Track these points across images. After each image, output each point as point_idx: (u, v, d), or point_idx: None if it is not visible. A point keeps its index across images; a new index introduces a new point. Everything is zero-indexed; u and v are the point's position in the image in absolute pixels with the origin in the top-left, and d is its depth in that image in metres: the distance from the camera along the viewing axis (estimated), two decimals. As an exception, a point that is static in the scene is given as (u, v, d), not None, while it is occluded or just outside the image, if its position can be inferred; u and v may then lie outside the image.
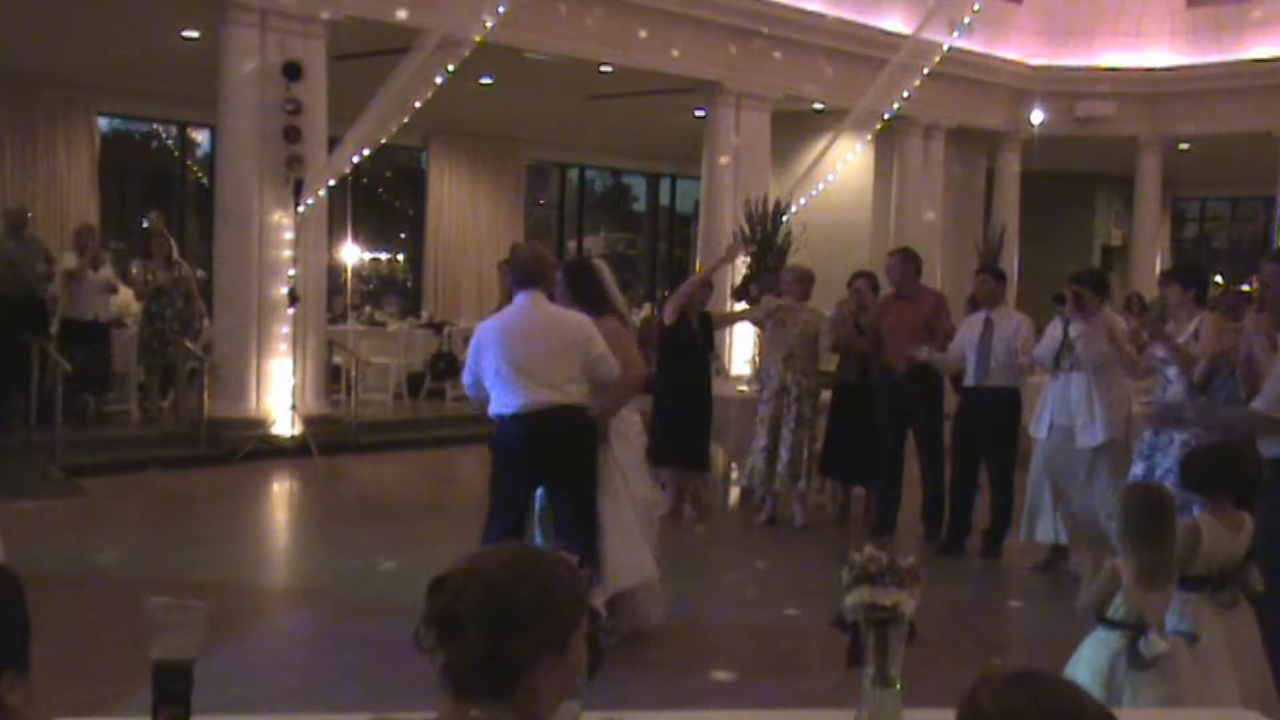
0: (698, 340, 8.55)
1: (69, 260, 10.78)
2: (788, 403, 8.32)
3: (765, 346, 8.69)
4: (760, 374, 8.84)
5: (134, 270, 11.65)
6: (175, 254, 11.34)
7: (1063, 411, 7.17)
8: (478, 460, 9.21)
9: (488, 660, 1.78)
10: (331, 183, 10.84)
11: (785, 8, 13.74)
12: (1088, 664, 3.50)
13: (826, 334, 8.46)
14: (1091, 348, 6.97)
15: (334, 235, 11.53)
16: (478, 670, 1.79)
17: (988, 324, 7.74)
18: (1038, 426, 7.35)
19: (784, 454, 8.32)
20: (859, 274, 8.83)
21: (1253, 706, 3.44)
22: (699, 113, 14.45)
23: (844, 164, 14.43)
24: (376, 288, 18.93)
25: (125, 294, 11.77)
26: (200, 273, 12.66)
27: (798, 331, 8.33)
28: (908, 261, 8.28)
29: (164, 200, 17.30)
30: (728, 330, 13.23)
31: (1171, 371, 6.37)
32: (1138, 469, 6.41)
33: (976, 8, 14.34)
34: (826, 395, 8.83)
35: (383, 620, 5.73)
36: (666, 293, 11.09)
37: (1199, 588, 3.89)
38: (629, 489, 5.70)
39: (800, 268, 8.81)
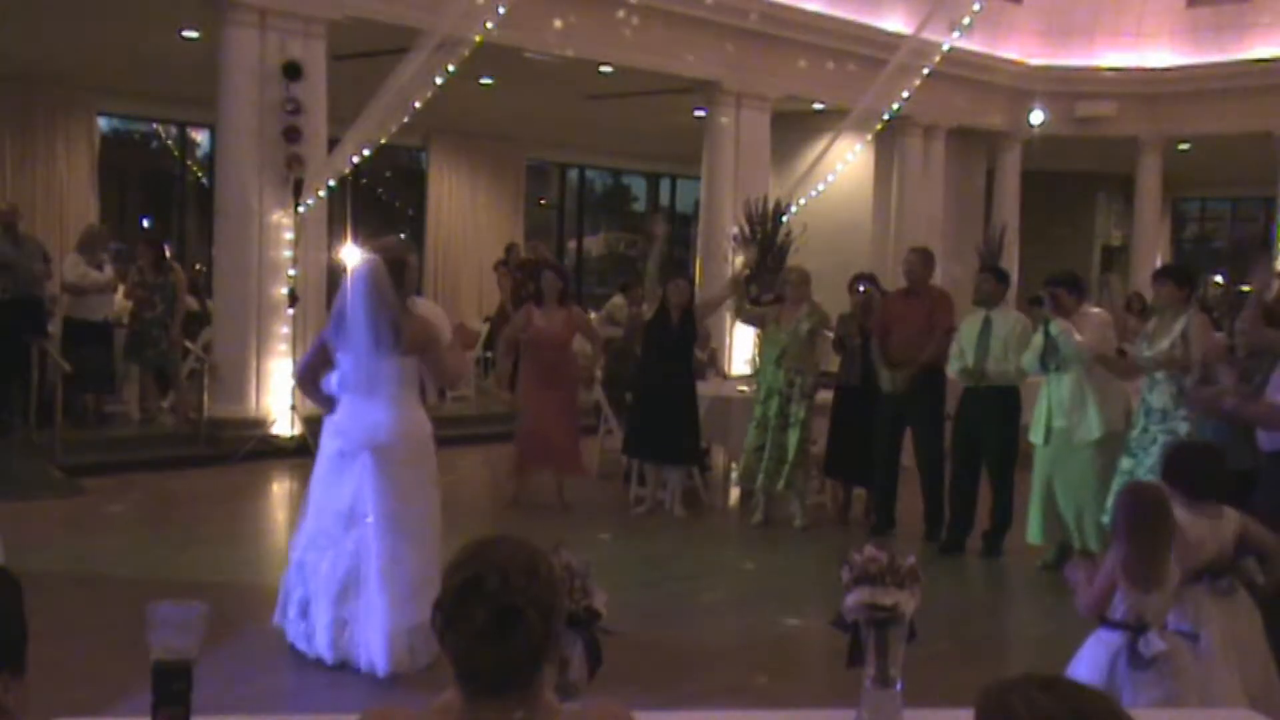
0: (676, 335, 8.59)
1: (71, 271, 10.75)
2: (779, 404, 8.33)
3: (762, 347, 8.70)
4: (757, 373, 8.85)
5: (130, 273, 11.64)
6: (167, 257, 11.30)
7: (1059, 413, 7.22)
8: (478, 461, 9.22)
9: (544, 642, 1.85)
10: (331, 183, 10.83)
11: (785, 8, 13.73)
12: (1088, 664, 3.51)
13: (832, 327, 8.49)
14: (1070, 341, 7.04)
15: (334, 235, 11.51)
16: (533, 657, 1.85)
17: (986, 324, 7.76)
18: (1036, 432, 7.37)
19: (773, 454, 8.32)
20: (860, 275, 8.82)
21: (1256, 698, 3.44)
22: (699, 113, 14.45)
23: (844, 164, 14.43)
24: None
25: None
26: (199, 266, 12.62)
27: (791, 330, 8.33)
28: (927, 261, 8.30)
29: (164, 200, 17.34)
30: (726, 329, 13.23)
31: (1160, 374, 6.41)
32: (1125, 464, 6.48)
33: (976, 8, 14.33)
34: (826, 395, 8.83)
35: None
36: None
37: (1195, 580, 3.89)
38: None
39: (799, 268, 8.83)
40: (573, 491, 9.08)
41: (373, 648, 5.15)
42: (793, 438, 8.31)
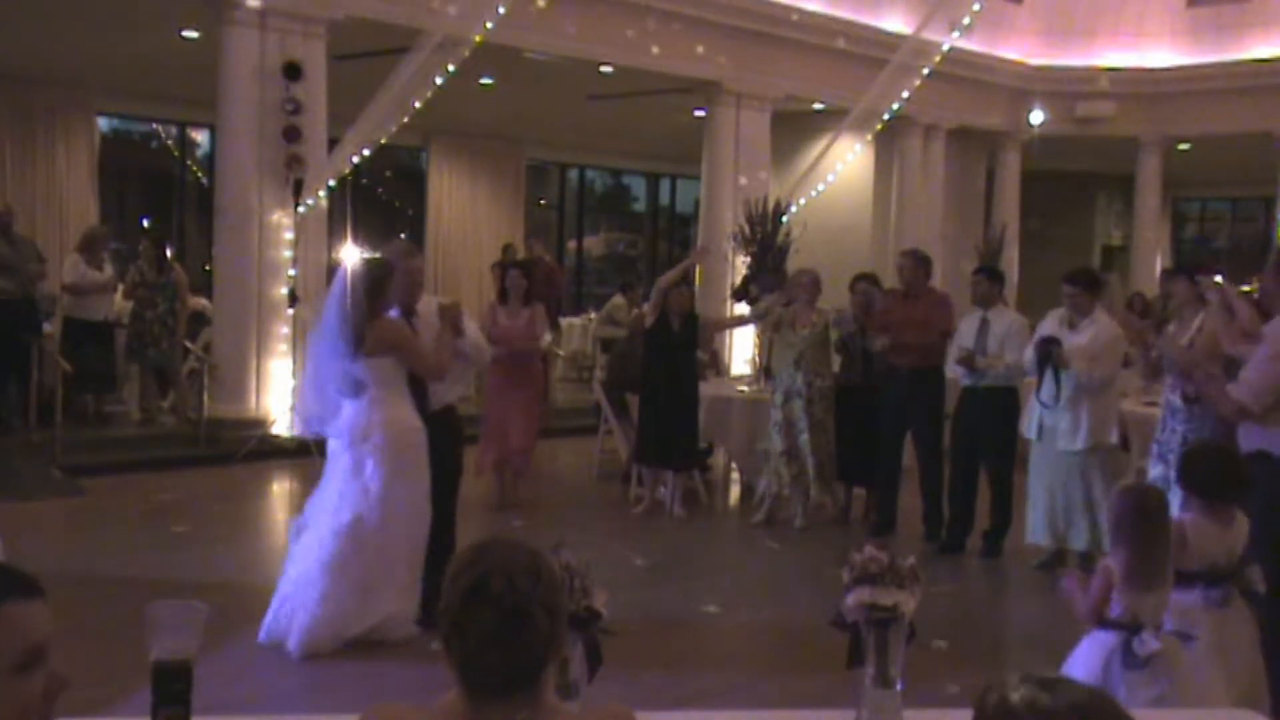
0: (678, 341, 8.62)
1: (70, 271, 10.75)
2: (801, 406, 8.33)
3: (775, 349, 8.70)
4: (772, 377, 8.83)
5: (130, 272, 11.66)
6: (169, 258, 11.32)
7: (1050, 413, 7.23)
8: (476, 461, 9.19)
9: (550, 643, 1.86)
10: (331, 183, 10.84)
11: (785, 7, 13.73)
12: (1083, 664, 3.51)
13: (834, 325, 8.49)
14: (1090, 380, 7.08)
15: (334, 235, 11.50)
16: (539, 658, 1.85)
17: (983, 324, 7.76)
18: (1029, 427, 7.43)
19: (810, 459, 8.32)
20: (861, 276, 8.81)
21: (1242, 706, 3.44)
22: (699, 113, 14.45)
23: (844, 164, 14.43)
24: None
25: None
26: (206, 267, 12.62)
27: (806, 333, 8.34)
28: (919, 263, 8.28)
29: (164, 200, 17.33)
30: (727, 330, 13.23)
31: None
32: (1156, 471, 6.43)
33: (976, 8, 14.33)
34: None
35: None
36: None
37: (1190, 585, 3.88)
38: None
39: (811, 270, 8.84)
40: (573, 491, 9.08)
41: (293, 626, 5.42)
42: (821, 439, 8.33)
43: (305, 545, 5.56)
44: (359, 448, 5.47)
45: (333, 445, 5.61)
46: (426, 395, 5.77)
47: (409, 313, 5.82)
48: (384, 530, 5.46)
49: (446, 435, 5.89)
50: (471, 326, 6.14)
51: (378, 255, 5.96)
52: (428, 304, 6.08)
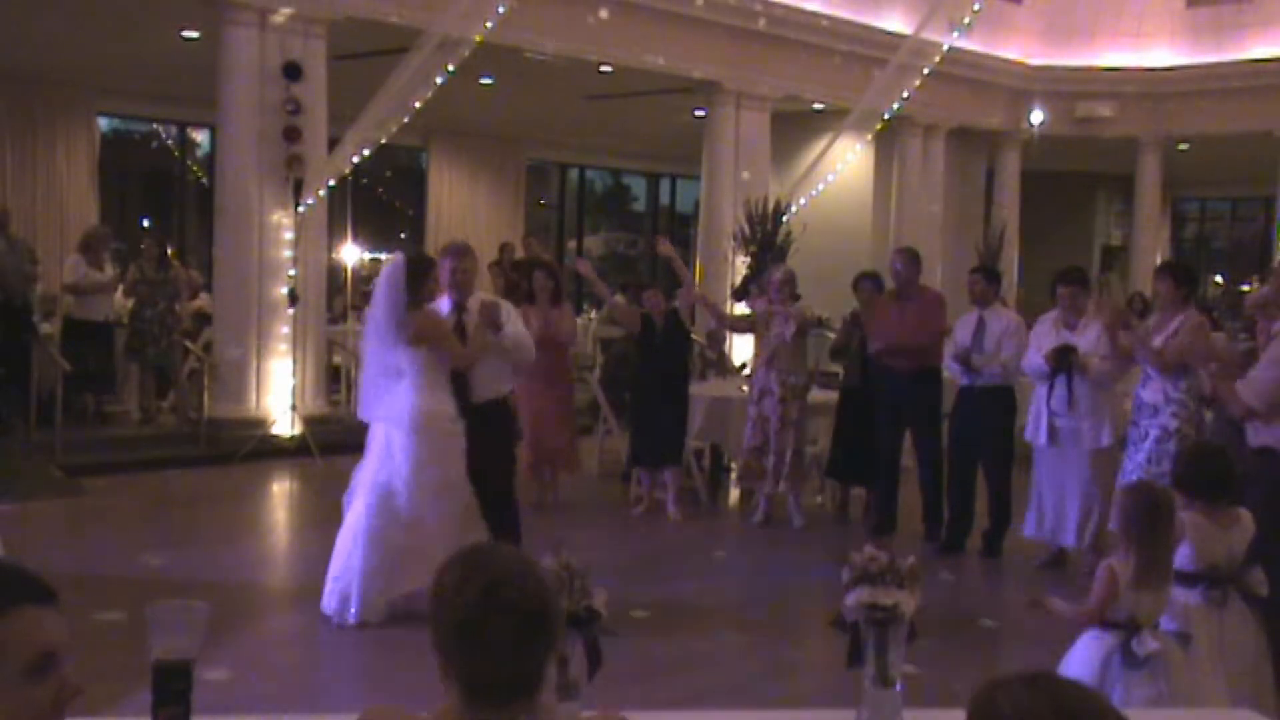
0: (660, 341, 8.73)
1: (71, 271, 10.76)
2: (772, 404, 8.34)
3: (757, 348, 8.75)
4: (752, 375, 8.90)
5: (130, 270, 11.66)
6: (169, 256, 11.31)
7: (1062, 414, 7.22)
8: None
9: (555, 647, 1.88)
10: (331, 183, 10.83)
11: (785, 8, 13.73)
12: (1081, 662, 3.51)
13: (837, 339, 8.52)
14: (1104, 377, 7.08)
15: (334, 235, 11.49)
16: (545, 661, 1.86)
17: (980, 323, 7.76)
18: (1036, 431, 7.37)
19: (772, 456, 8.34)
20: (864, 275, 8.80)
21: (1245, 707, 3.44)
22: (699, 113, 14.45)
23: (844, 164, 14.42)
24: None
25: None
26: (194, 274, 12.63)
27: (778, 331, 8.33)
28: (913, 262, 8.27)
29: (164, 200, 17.34)
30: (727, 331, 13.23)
31: (1152, 370, 6.42)
32: (1135, 455, 6.48)
33: (976, 8, 14.33)
34: (821, 396, 8.84)
35: (382, 619, 5.76)
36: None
37: (1191, 586, 3.88)
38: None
39: (782, 266, 8.87)
40: (573, 491, 9.08)
41: (348, 600, 5.77)
42: (788, 438, 8.32)
43: (350, 517, 5.92)
44: (390, 428, 5.83)
45: (373, 425, 5.98)
46: (469, 388, 6.16)
47: (461, 308, 6.25)
48: (413, 506, 5.79)
49: (495, 424, 6.33)
50: (515, 326, 6.42)
51: (420, 251, 6.40)
52: (478, 301, 6.42)
